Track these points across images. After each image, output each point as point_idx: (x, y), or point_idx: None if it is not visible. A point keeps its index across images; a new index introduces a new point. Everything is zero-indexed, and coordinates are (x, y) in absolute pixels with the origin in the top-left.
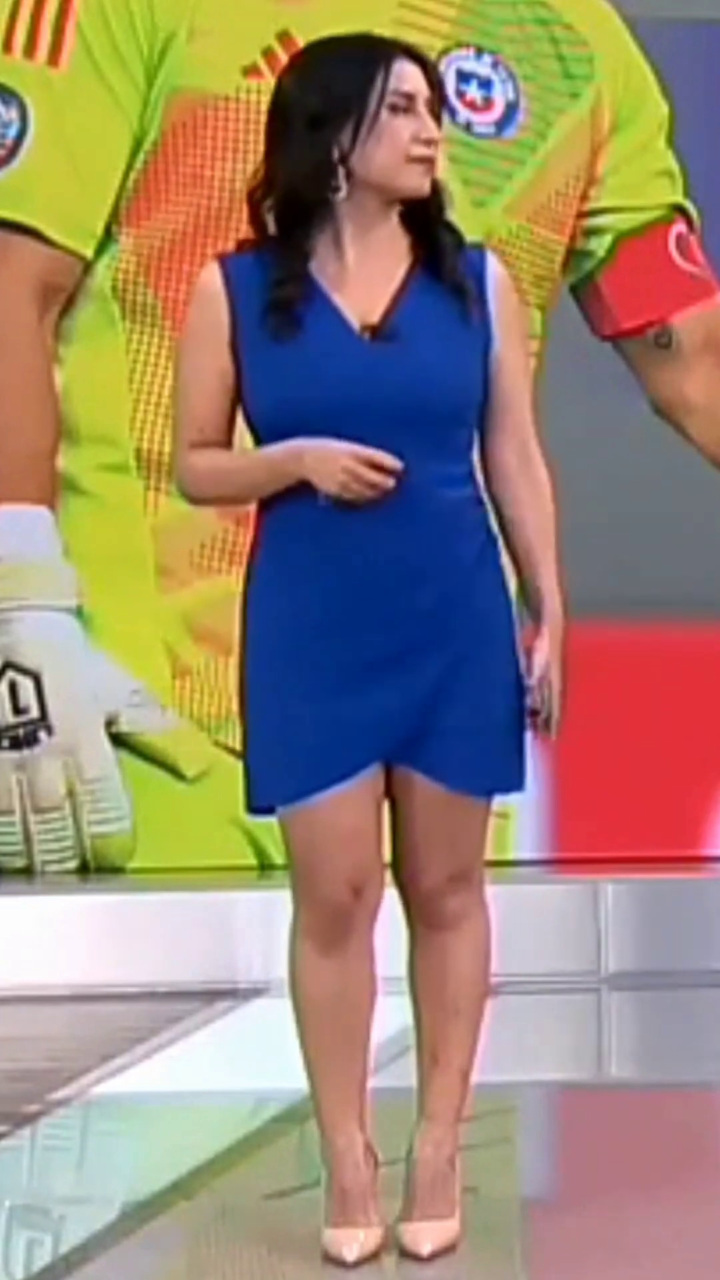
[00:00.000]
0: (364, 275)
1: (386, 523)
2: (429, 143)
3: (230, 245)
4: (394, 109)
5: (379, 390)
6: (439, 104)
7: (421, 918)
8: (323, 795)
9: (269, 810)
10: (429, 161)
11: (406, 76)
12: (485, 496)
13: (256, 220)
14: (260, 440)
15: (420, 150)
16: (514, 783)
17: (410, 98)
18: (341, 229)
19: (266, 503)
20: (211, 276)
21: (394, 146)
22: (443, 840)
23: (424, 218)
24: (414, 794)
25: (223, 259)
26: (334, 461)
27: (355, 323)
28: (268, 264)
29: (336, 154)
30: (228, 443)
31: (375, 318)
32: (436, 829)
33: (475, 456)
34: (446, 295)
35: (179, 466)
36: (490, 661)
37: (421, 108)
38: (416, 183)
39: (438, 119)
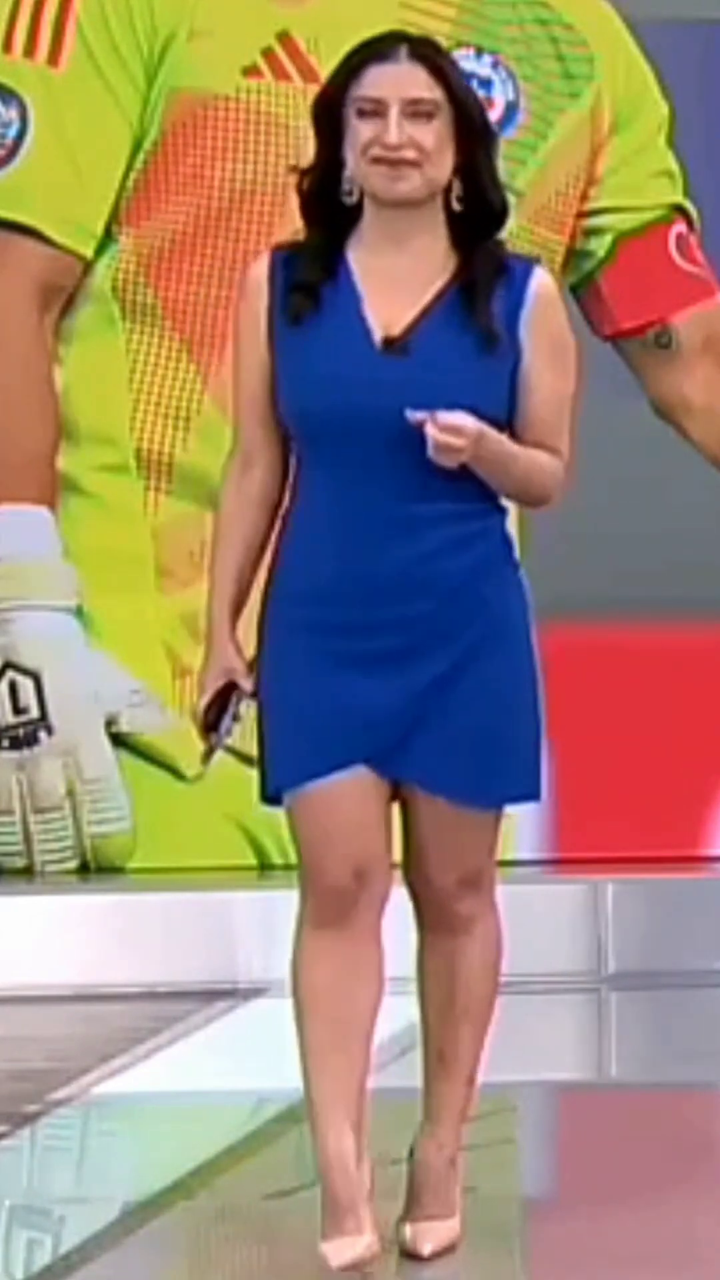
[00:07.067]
0: (398, 281)
1: (390, 533)
2: (389, 146)
3: (230, 245)
4: (361, 114)
5: (381, 403)
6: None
7: (431, 921)
8: (323, 781)
9: (279, 800)
10: (389, 164)
11: (378, 82)
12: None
13: (308, 216)
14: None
15: (377, 152)
16: (527, 793)
17: (377, 102)
18: (370, 231)
19: (294, 495)
20: (260, 267)
21: (355, 150)
22: (451, 847)
23: (475, 236)
24: (419, 804)
25: (274, 250)
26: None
27: (377, 331)
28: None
29: (340, 158)
30: (268, 455)
31: (397, 329)
32: (444, 836)
33: None
34: (476, 316)
35: (224, 474)
36: (500, 672)
37: (393, 112)
38: (382, 186)
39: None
